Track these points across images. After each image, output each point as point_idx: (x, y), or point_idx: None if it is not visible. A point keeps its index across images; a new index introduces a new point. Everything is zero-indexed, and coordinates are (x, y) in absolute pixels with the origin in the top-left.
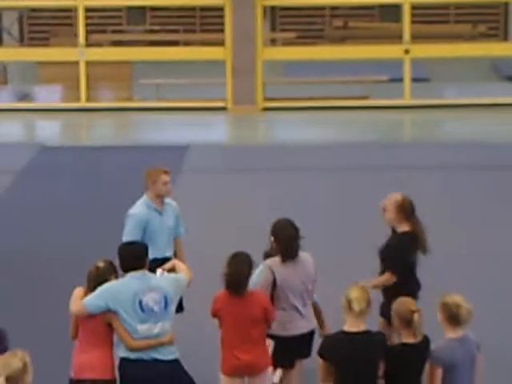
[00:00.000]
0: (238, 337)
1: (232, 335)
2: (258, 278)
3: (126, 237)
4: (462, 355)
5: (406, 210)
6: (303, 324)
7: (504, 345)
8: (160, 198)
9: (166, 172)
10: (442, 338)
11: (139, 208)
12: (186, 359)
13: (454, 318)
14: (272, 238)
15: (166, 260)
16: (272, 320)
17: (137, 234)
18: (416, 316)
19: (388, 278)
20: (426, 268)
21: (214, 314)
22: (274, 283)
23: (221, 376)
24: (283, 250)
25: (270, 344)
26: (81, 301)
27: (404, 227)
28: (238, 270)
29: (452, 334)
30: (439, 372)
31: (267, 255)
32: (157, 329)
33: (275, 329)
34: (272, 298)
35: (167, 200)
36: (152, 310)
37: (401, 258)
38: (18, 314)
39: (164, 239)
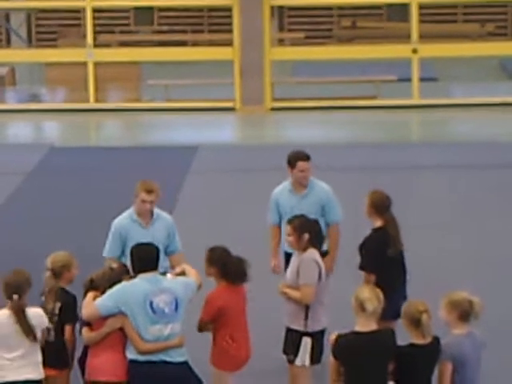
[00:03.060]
0: (241, 329)
1: (238, 328)
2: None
3: (106, 249)
4: (471, 351)
5: (379, 205)
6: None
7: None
8: (141, 213)
9: (148, 191)
10: (449, 334)
11: (121, 219)
12: (196, 361)
13: (466, 314)
14: (306, 235)
15: None
16: None
17: (115, 247)
18: (425, 316)
19: (366, 278)
20: (434, 266)
21: (217, 313)
22: (319, 276)
23: (222, 373)
24: (320, 240)
25: (307, 342)
26: (93, 303)
27: (377, 223)
28: (239, 258)
29: (459, 330)
30: (450, 367)
31: None
32: (167, 330)
33: (312, 326)
34: None
35: (160, 214)
36: (163, 312)
37: (374, 255)
38: None
39: None
